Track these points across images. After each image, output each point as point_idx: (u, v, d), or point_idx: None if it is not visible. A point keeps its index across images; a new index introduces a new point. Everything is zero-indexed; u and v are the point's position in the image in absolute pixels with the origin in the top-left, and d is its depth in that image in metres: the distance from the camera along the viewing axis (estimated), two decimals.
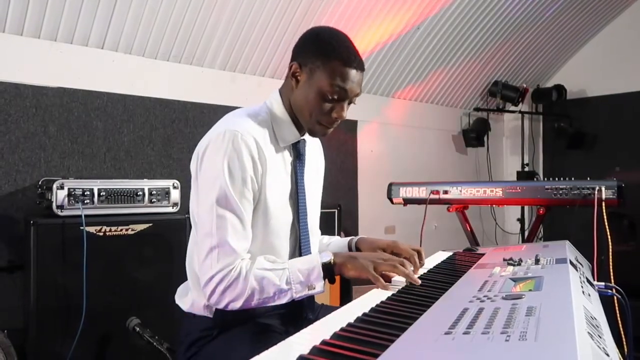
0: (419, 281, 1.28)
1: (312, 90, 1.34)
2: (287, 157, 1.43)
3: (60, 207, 2.09)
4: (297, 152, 1.46)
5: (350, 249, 1.60)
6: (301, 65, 1.36)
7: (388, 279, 1.34)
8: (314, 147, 1.57)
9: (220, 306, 1.28)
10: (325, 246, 1.67)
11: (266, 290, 1.26)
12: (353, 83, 1.35)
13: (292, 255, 1.44)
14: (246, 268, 1.26)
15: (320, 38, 1.38)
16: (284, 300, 1.28)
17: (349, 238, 1.65)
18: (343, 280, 3.12)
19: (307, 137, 1.49)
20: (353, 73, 1.34)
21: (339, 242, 1.67)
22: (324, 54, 1.33)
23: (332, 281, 1.33)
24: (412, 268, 1.35)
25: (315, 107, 1.35)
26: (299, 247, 1.45)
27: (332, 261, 1.30)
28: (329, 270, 1.30)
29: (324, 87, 1.33)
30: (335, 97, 1.34)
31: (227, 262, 1.25)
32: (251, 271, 1.26)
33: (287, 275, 1.27)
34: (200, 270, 1.29)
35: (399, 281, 1.33)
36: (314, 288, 1.29)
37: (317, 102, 1.35)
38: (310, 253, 1.47)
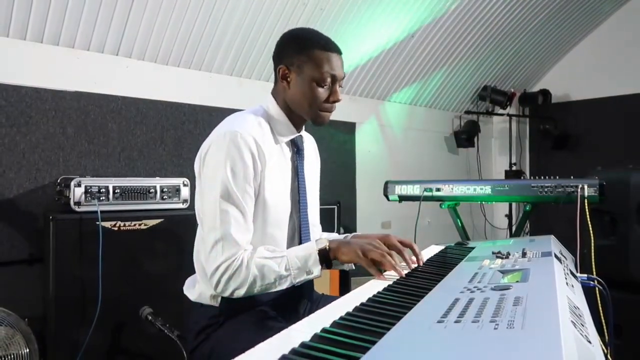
0: (403, 274, 1.26)
1: (306, 83, 1.36)
2: (286, 152, 1.44)
3: (78, 203, 2.10)
4: (296, 147, 1.46)
5: None
6: (288, 66, 1.38)
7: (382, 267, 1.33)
8: (309, 146, 1.57)
9: (226, 294, 1.28)
10: None
11: (267, 276, 1.26)
12: (338, 65, 1.38)
13: (291, 244, 1.43)
14: (247, 257, 1.27)
15: (296, 37, 1.41)
16: (284, 285, 1.28)
17: (344, 235, 1.64)
18: (342, 272, 3.12)
19: (303, 134, 1.50)
20: (335, 57, 1.38)
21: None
22: (305, 48, 1.36)
23: (329, 266, 1.33)
24: (402, 263, 1.34)
25: (313, 97, 1.37)
26: (298, 237, 1.45)
27: (327, 247, 1.30)
28: (325, 256, 1.30)
29: (316, 75, 1.35)
30: (328, 81, 1.37)
31: (231, 253, 1.26)
32: (252, 260, 1.26)
33: (286, 262, 1.28)
34: (206, 262, 1.29)
35: (393, 273, 1.32)
36: (312, 273, 1.29)
37: (314, 92, 1.37)
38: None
